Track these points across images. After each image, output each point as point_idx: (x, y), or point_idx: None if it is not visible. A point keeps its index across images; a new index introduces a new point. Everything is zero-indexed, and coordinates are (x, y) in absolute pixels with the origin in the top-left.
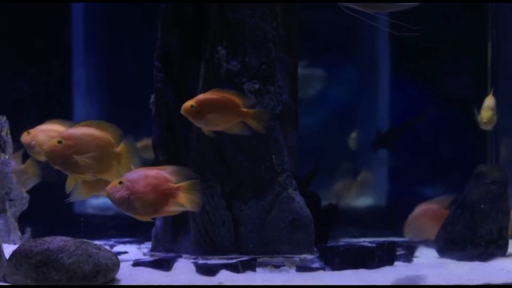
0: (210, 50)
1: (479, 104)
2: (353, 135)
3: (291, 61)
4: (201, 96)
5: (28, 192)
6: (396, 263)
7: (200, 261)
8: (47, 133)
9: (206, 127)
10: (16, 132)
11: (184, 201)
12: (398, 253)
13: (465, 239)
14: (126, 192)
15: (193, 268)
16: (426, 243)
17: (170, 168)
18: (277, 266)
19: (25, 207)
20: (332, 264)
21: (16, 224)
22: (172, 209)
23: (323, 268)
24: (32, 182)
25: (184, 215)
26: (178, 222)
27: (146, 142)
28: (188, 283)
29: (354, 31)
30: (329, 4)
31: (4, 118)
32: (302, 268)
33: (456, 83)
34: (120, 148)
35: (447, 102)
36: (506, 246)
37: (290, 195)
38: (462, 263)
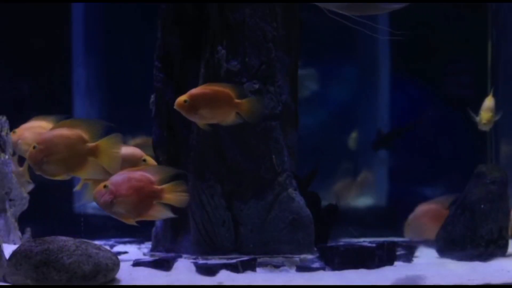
0: (210, 50)
1: (479, 104)
2: (353, 135)
3: (291, 61)
4: (194, 91)
5: (28, 192)
6: (396, 263)
7: (200, 261)
8: (32, 130)
9: (201, 121)
10: None
11: (170, 202)
12: (398, 253)
13: (465, 239)
14: (110, 196)
15: (193, 268)
16: (426, 243)
17: (153, 168)
18: (277, 266)
19: (25, 207)
20: (332, 264)
21: (16, 224)
22: (157, 212)
23: (323, 268)
24: (31, 185)
25: (184, 215)
26: (178, 222)
27: (140, 140)
28: (188, 283)
29: (354, 31)
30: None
31: (4, 118)
32: (302, 268)
33: (456, 83)
34: (99, 142)
35: (447, 102)
36: (506, 246)
37: (290, 195)
38: (462, 263)
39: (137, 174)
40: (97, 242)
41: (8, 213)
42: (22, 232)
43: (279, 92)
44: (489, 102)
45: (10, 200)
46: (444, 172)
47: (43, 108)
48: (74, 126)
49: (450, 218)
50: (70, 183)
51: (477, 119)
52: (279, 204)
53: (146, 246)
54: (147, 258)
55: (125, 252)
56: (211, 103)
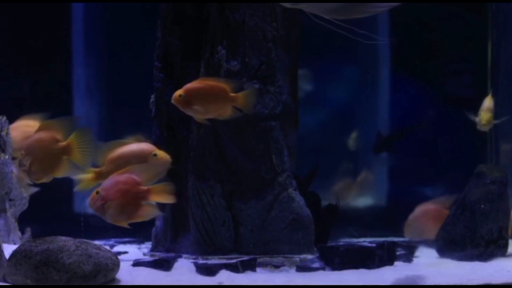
0: (210, 50)
1: (479, 105)
2: (353, 135)
3: (291, 61)
4: (189, 85)
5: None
6: (396, 263)
7: (200, 261)
8: (21, 129)
9: (197, 115)
10: None
11: (157, 199)
12: (398, 253)
13: (465, 239)
14: (101, 202)
15: (193, 268)
16: (426, 243)
17: (139, 168)
18: (277, 266)
19: (25, 207)
20: (332, 264)
21: (16, 224)
22: (145, 212)
23: (323, 268)
24: (34, 188)
25: (184, 215)
26: (178, 222)
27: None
28: (188, 283)
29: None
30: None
31: (4, 118)
32: (302, 268)
33: (456, 83)
34: (69, 140)
35: (447, 102)
36: (506, 246)
37: (290, 195)
38: (462, 263)
39: (124, 177)
40: (97, 242)
41: (8, 213)
42: (22, 232)
43: (279, 92)
44: (488, 102)
45: (10, 200)
46: (444, 172)
47: (43, 108)
48: (49, 127)
49: (450, 218)
50: (70, 183)
51: (477, 119)
52: (279, 204)
53: (146, 246)
54: (147, 258)
55: (125, 252)
56: (206, 97)
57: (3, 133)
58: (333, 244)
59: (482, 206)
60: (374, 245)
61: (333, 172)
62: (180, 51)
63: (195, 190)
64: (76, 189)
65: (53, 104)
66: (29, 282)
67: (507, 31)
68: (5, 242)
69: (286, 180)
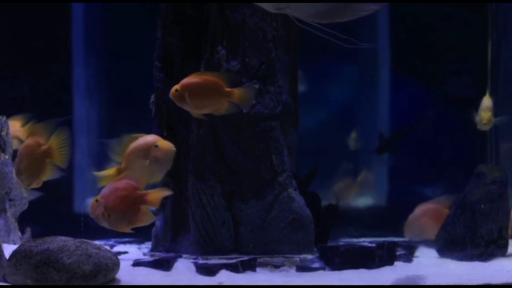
0: (210, 50)
1: (478, 104)
2: (353, 135)
3: (291, 61)
4: (185, 80)
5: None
6: (396, 263)
7: (200, 261)
8: None
9: (193, 110)
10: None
11: (151, 205)
12: (398, 253)
13: (465, 239)
14: (101, 209)
15: (193, 268)
16: (426, 243)
17: (138, 174)
18: (277, 266)
19: (25, 207)
20: (332, 264)
21: (16, 224)
22: (145, 216)
23: (323, 268)
24: (37, 193)
25: (184, 215)
26: (178, 222)
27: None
28: (188, 283)
29: (354, 31)
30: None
31: (4, 118)
32: (302, 268)
33: (456, 83)
34: (49, 143)
35: (447, 102)
36: (506, 246)
37: (290, 195)
38: (462, 263)
39: (122, 183)
40: (97, 242)
41: (8, 213)
42: (22, 232)
43: (279, 92)
44: (487, 101)
45: (10, 200)
46: (444, 172)
47: (43, 108)
48: (33, 131)
49: (450, 218)
50: (69, 183)
51: (477, 119)
52: (279, 204)
53: (146, 246)
54: (147, 258)
55: (125, 252)
56: (201, 92)
57: (3, 133)
58: (333, 244)
59: (482, 206)
60: (374, 245)
61: (333, 172)
62: (180, 51)
63: (195, 190)
64: (99, 185)
65: (53, 104)
66: (29, 282)
67: (507, 31)
68: (5, 242)
69: (286, 180)
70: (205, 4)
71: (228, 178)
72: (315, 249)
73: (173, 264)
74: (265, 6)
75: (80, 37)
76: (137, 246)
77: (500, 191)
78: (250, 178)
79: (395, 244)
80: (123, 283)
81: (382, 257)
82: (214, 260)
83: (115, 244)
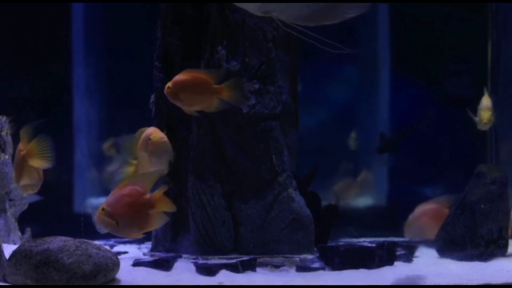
0: (210, 50)
1: (476, 104)
2: (353, 135)
3: (291, 61)
4: (177, 77)
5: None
6: (396, 263)
7: (200, 261)
8: None
9: (185, 107)
10: (16, 133)
11: (161, 207)
12: (398, 253)
13: (465, 239)
14: (108, 218)
15: (193, 268)
16: (426, 243)
17: (141, 177)
18: (277, 266)
19: (25, 207)
20: (332, 264)
21: (16, 224)
22: (155, 219)
23: (323, 268)
24: (33, 197)
25: (184, 215)
26: (178, 222)
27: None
28: (188, 283)
29: (354, 31)
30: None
31: (4, 118)
32: (302, 268)
33: (456, 83)
34: (28, 148)
35: (447, 102)
36: (506, 246)
37: (290, 195)
38: (462, 263)
39: (127, 189)
40: (97, 242)
41: (8, 213)
42: (22, 232)
43: (279, 92)
44: (487, 101)
45: (10, 200)
46: (444, 172)
47: (43, 109)
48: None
49: (450, 218)
50: (69, 183)
51: (476, 119)
52: (279, 204)
53: (146, 246)
54: (147, 258)
55: (125, 252)
56: (191, 89)
57: (3, 133)
58: (333, 244)
59: (482, 206)
60: (374, 245)
61: (333, 172)
62: (180, 51)
63: (195, 190)
64: (119, 181)
65: (53, 104)
66: (29, 282)
67: (507, 31)
68: (5, 242)
69: (286, 180)
70: (205, 4)
71: (228, 178)
72: (315, 249)
73: (173, 264)
74: (251, 9)
75: (80, 37)
76: (137, 246)
77: (500, 191)
78: (250, 178)
79: (395, 244)
80: (123, 283)
81: (382, 257)
82: (214, 260)
83: (115, 244)
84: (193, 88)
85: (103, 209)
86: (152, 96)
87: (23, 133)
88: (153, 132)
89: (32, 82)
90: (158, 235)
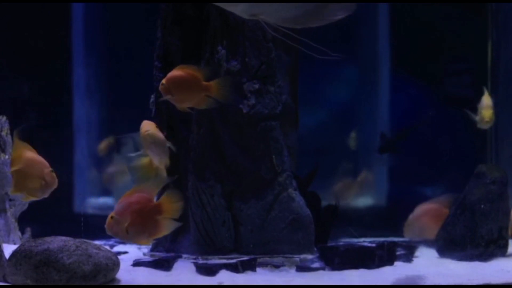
0: (210, 50)
1: (475, 104)
2: (353, 135)
3: (291, 61)
4: (170, 73)
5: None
6: (396, 263)
7: (200, 261)
8: None
9: (177, 103)
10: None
11: (169, 214)
12: (398, 253)
13: (465, 239)
14: (118, 226)
15: (193, 268)
16: (426, 243)
17: (148, 184)
18: (277, 266)
19: (25, 207)
20: (332, 264)
21: (16, 224)
22: (164, 226)
23: (323, 268)
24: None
25: (184, 215)
26: None
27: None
28: (188, 283)
29: (354, 30)
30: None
31: (4, 118)
32: (302, 268)
33: (456, 83)
34: (13, 155)
35: (447, 102)
36: (506, 246)
37: (290, 195)
38: (462, 263)
39: (135, 197)
40: (97, 242)
41: (8, 213)
42: (22, 232)
43: (279, 92)
44: (487, 100)
45: (10, 200)
46: (444, 172)
47: (43, 109)
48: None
49: (450, 218)
50: (69, 183)
51: (477, 118)
52: (279, 204)
53: (146, 246)
54: (147, 258)
55: (125, 252)
56: (182, 85)
57: (3, 133)
58: (333, 244)
59: (482, 206)
60: (374, 245)
61: (333, 172)
62: (180, 51)
63: (195, 190)
64: (134, 178)
65: (53, 104)
66: (29, 282)
67: (507, 31)
68: (5, 242)
69: (286, 180)
70: (205, 4)
71: (228, 178)
72: (315, 249)
73: (173, 264)
74: (238, 11)
75: (80, 37)
76: (137, 246)
77: (500, 191)
78: (250, 178)
79: (395, 244)
80: (123, 283)
81: (382, 257)
82: (214, 260)
83: (115, 244)
84: (184, 84)
85: (112, 217)
86: (152, 96)
87: (14, 137)
88: (143, 126)
89: (32, 82)
90: None
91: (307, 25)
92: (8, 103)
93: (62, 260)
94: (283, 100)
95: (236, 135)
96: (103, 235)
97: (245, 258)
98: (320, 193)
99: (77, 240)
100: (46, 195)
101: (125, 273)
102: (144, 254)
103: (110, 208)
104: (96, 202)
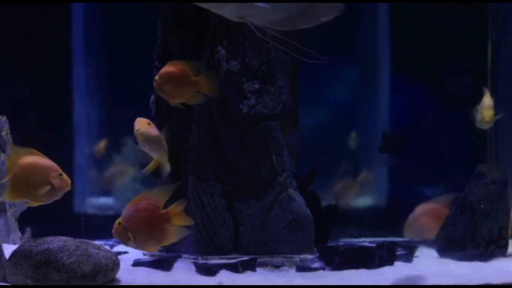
0: (210, 50)
1: (474, 104)
2: (353, 135)
3: (291, 61)
4: (162, 69)
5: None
6: (396, 263)
7: (200, 261)
8: None
9: (168, 99)
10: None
11: (178, 221)
12: (398, 253)
13: (465, 239)
14: (125, 233)
15: (193, 268)
16: (426, 243)
17: (156, 192)
18: (277, 266)
19: (25, 207)
20: (332, 264)
21: (16, 224)
22: (173, 233)
23: (323, 268)
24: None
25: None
26: None
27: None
28: (188, 283)
29: (354, 30)
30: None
31: (4, 118)
32: (302, 268)
33: (456, 83)
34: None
35: (447, 102)
36: (506, 246)
37: (290, 195)
38: (462, 263)
39: (143, 204)
40: (97, 242)
41: (8, 213)
42: (22, 232)
43: (279, 92)
44: (488, 100)
45: None
46: (444, 172)
47: (43, 109)
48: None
49: (450, 218)
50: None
51: (478, 118)
52: (279, 204)
53: None
54: (147, 258)
55: (125, 252)
56: (172, 81)
57: (3, 133)
58: (333, 244)
59: (482, 206)
60: (374, 245)
61: (333, 172)
62: (180, 51)
63: (195, 190)
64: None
65: (53, 104)
66: (29, 282)
67: (507, 31)
68: (5, 242)
69: (286, 180)
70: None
71: (228, 178)
72: (315, 249)
73: (173, 264)
74: (226, 14)
75: (80, 37)
76: None
77: (500, 191)
78: (250, 178)
79: (395, 244)
80: (123, 283)
81: (382, 257)
82: (214, 260)
83: (115, 244)
84: (175, 80)
85: (119, 223)
86: (152, 96)
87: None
88: (135, 125)
89: (32, 82)
90: None
91: (296, 27)
92: (8, 103)
93: (62, 260)
94: (283, 100)
95: (236, 135)
96: (103, 235)
97: (245, 258)
98: (320, 193)
99: (77, 240)
100: (58, 198)
101: (125, 273)
102: (144, 254)
103: (110, 208)
104: (96, 202)
